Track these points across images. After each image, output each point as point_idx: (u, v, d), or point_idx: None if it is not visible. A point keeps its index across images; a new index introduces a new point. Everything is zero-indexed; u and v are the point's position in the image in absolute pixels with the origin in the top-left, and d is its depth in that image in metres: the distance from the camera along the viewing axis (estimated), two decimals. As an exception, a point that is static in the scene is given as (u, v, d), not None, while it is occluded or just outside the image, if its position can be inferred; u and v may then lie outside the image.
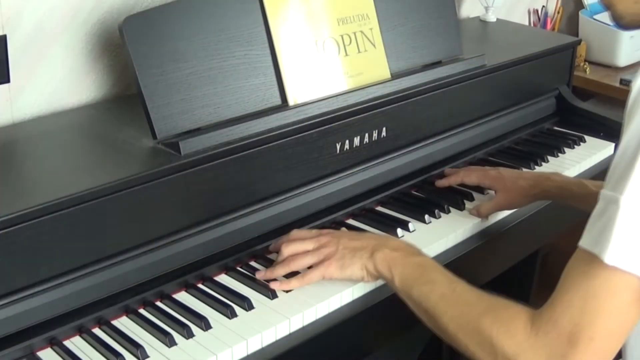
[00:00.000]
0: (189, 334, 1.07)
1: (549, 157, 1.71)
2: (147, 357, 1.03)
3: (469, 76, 1.62)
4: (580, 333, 0.87)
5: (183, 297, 1.17)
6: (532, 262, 2.04)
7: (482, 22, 2.12)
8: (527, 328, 0.91)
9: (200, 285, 1.20)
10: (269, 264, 1.24)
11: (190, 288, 1.18)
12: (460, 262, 1.32)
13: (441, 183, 1.53)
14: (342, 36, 1.41)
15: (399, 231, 1.35)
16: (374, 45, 1.46)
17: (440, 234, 1.37)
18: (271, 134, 1.26)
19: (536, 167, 1.67)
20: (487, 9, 2.11)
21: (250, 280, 1.20)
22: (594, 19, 2.46)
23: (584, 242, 0.89)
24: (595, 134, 1.84)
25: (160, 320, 1.11)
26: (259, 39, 1.30)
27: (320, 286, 1.19)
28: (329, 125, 1.35)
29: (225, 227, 1.23)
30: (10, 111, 1.32)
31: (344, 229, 1.34)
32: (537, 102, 1.87)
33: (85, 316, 1.08)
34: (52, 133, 1.29)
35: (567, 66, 1.95)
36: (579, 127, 1.87)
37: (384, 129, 1.45)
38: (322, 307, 1.16)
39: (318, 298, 1.16)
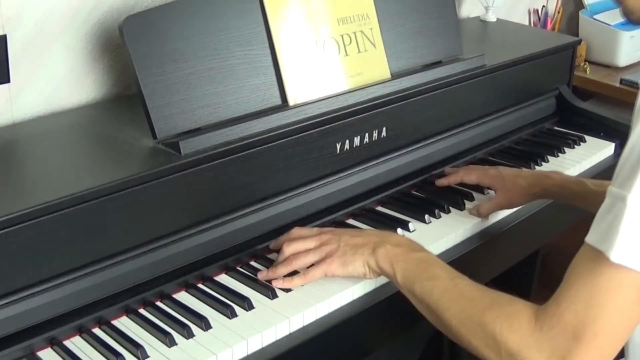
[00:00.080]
0: (189, 334, 1.07)
1: (549, 157, 1.71)
2: (147, 357, 1.03)
3: (469, 76, 1.62)
4: (584, 329, 0.87)
5: (183, 297, 1.17)
6: (532, 262, 2.04)
7: (482, 22, 2.12)
8: (531, 323, 0.91)
9: (200, 285, 1.20)
10: (269, 263, 1.24)
11: (191, 288, 1.18)
12: (461, 262, 1.32)
13: (441, 182, 1.53)
14: (342, 36, 1.41)
15: (399, 231, 1.35)
16: (374, 45, 1.46)
17: (440, 233, 1.37)
18: (271, 134, 1.26)
19: (536, 167, 1.67)
20: (487, 8, 2.11)
21: (250, 280, 1.20)
22: (594, 19, 2.46)
23: (591, 239, 0.89)
24: (596, 133, 1.85)
25: (161, 320, 1.11)
26: (259, 39, 1.30)
27: (321, 286, 1.19)
28: (329, 125, 1.35)
29: (225, 227, 1.23)
30: (10, 111, 1.32)
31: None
32: (537, 102, 1.87)
33: (85, 316, 1.08)
34: (52, 133, 1.29)
35: (568, 66, 1.95)
36: (579, 127, 1.87)
37: (384, 128, 1.45)
38: (322, 307, 1.16)
39: (318, 298, 1.16)
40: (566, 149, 1.76)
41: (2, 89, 1.29)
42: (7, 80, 1.29)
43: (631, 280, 0.85)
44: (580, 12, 2.51)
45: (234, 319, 1.11)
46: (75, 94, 1.40)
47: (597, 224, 0.89)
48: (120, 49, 1.40)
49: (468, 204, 1.46)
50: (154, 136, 1.18)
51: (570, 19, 2.63)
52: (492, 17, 2.12)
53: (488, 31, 2.07)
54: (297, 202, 1.32)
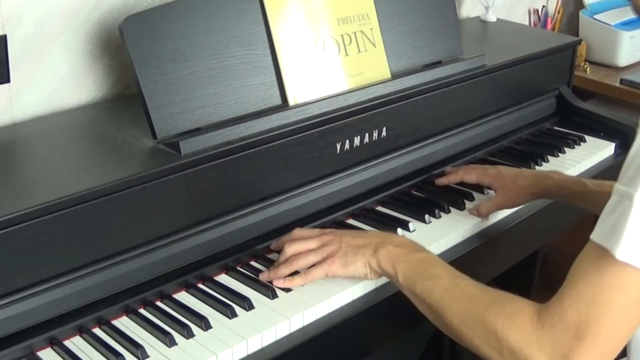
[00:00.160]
0: (189, 334, 1.07)
1: (549, 157, 1.71)
2: (147, 357, 1.03)
3: (469, 76, 1.62)
4: (587, 327, 0.87)
5: (183, 297, 1.17)
6: (532, 262, 2.04)
7: (482, 22, 2.12)
8: (533, 321, 0.91)
9: (200, 285, 1.19)
10: (270, 264, 1.24)
11: (191, 288, 1.18)
12: (461, 262, 1.32)
13: (441, 181, 1.53)
14: (342, 36, 1.41)
15: (399, 231, 1.35)
16: (374, 45, 1.46)
17: (440, 233, 1.37)
18: (271, 133, 1.26)
19: (536, 167, 1.67)
20: (487, 8, 2.11)
21: (250, 280, 1.20)
22: (595, 19, 2.46)
23: (596, 236, 0.88)
24: (596, 133, 1.85)
25: (161, 320, 1.11)
26: (259, 39, 1.30)
27: (321, 286, 1.19)
28: (329, 125, 1.35)
29: (225, 227, 1.23)
30: (10, 111, 1.32)
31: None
32: (537, 102, 1.87)
33: (85, 316, 1.08)
34: (52, 133, 1.29)
35: (568, 66, 1.95)
36: (579, 127, 1.87)
37: (384, 128, 1.45)
38: (322, 307, 1.16)
39: (318, 298, 1.16)
40: (566, 149, 1.76)
41: (2, 89, 1.29)
42: (7, 80, 1.29)
43: (636, 279, 0.85)
44: (580, 12, 2.51)
45: (234, 319, 1.11)
46: (75, 94, 1.40)
47: (603, 222, 0.88)
48: (120, 49, 1.40)
49: (468, 204, 1.46)
50: (154, 136, 1.18)
51: (571, 19, 2.63)
52: (492, 17, 2.12)
53: (488, 31, 2.07)
54: (297, 202, 1.32)
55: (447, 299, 1.02)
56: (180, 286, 1.18)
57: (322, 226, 1.34)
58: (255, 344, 1.08)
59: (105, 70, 1.42)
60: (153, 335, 1.07)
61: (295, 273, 1.19)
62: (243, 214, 1.25)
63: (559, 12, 2.53)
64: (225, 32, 1.26)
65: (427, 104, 1.54)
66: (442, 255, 1.33)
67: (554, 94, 1.92)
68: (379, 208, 1.45)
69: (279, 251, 1.23)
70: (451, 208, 1.45)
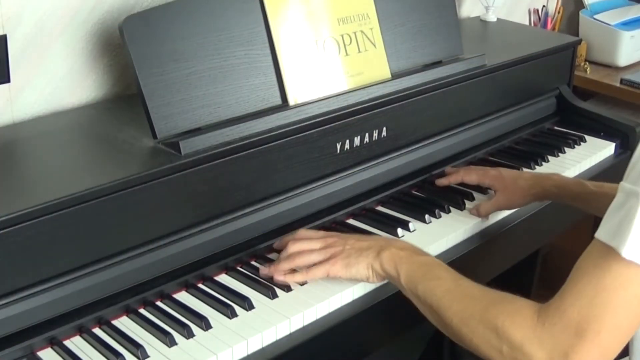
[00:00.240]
0: (189, 334, 1.07)
1: (550, 157, 1.71)
2: (148, 357, 1.03)
3: (470, 76, 1.62)
4: (587, 325, 0.87)
5: (183, 297, 1.17)
6: (532, 262, 2.04)
7: (482, 22, 2.12)
8: (533, 319, 0.91)
9: (200, 285, 1.19)
10: (270, 264, 1.24)
11: (191, 288, 1.18)
12: (461, 262, 1.32)
13: (441, 182, 1.53)
14: (342, 36, 1.41)
15: (400, 231, 1.35)
16: (375, 45, 1.46)
17: (440, 233, 1.37)
18: (271, 133, 1.25)
19: (537, 166, 1.67)
20: (487, 8, 2.11)
21: (250, 280, 1.20)
22: (595, 19, 2.46)
23: (601, 234, 0.88)
24: (596, 133, 1.85)
25: (161, 320, 1.11)
26: (259, 39, 1.30)
27: (321, 286, 1.19)
28: (330, 125, 1.35)
29: (225, 227, 1.22)
30: (10, 111, 1.32)
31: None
32: (537, 102, 1.87)
33: (85, 316, 1.08)
34: (52, 133, 1.29)
35: (568, 66, 1.95)
36: (579, 127, 1.87)
37: (384, 128, 1.45)
38: (322, 307, 1.16)
39: (318, 298, 1.16)
40: (566, 149, 1.76)
41: (2, 89, 1.29)
42: (7, 80, 1.29)
43: (639, 277, 0.85)
44: (580, 12, 2.51)
45: (234, 319, 1.11)
46: (75, 93, 1.40)
47: (608, 220, 0.88)
48: (120, 49, 1.40)
49: (468, 204, 1.46)
50: (154, 136, 1.18)
51: (571, 19, 2.63)
52: (492, 17, 2.12)
53: (488, 31, 2.07)
54: (297, 202, 1.32)
55: (448, 298, 1.02)
56: (181, 286, 1.18)
57: (323, 226, 1.34)
58: (256, 343, 1.08)
59: (105, 70, 1.42)
60: (153, 335, 1.07)
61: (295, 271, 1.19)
62: (243, 214, 1.25)
63: (559, 12, 2.53)
64: (225, 32, 1.26)
65: (427, 104, 1.54)
66: (442, 255, 1.33)
67: (554, 94, 1.92)
68: (379, 208, 1.45)
69: (280, 251, 1.23)
70: (451, 208, 1.45)
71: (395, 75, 1.49)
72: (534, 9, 2.48)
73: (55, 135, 1.28)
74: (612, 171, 1.75)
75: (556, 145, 1.76)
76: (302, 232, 1.24)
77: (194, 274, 1.19)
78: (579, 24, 2.52)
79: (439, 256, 1.32)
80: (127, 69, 1.22)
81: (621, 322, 0.87)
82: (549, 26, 2.50)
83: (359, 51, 1.44)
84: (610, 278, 0.86)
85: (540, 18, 2.49)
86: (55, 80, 1.36)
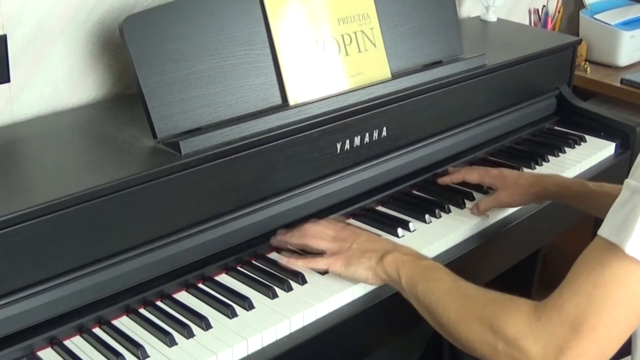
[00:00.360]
0: (189, 334, 1.07)
1: (550, 157, 1.71)
2: (148, 356, 1.03)
3: (470, 76, 1.62)
4: (584, 320, 0.86)
5: (183, 296, 1.17)
6: (532, 262, 2.04)
7: (482, 22, 2.12)
8: (530, 314, 0.90)
9: (200, 285, 1.19)
10: (270, 263, 1.24)
11: (191, 288, 1.18)
12: (461, 262, 1.32)
13: (443, 180, 1.53)
14: (342, 36, 1.41)
15: (400, 231, 1.35)
16: (375, 45, 1.46)
17: (440, 233, 1.36)
18: (271, 133, 1.25)
19: (537, 166, 1.67)
20: (487, 8, 2.11)
21: (250, 280, 1.20)
22: (595, 19, 2.46)
23: (604, 231, 0.88)
24: (596, 133, 1.85)
25: (161, 320, 1.11)
26: (260, 39, 1.30)
27: (321, 286, 1.19)
28: (330, 125, 1.35)
29: (225, 227, 1.22)
30: (10, 111, 1.32)
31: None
32: (537, 102, 1.87)
33: (85, 316, 1.08)
34: (52, 133, 1.29)
35: (568, 66, 1.95)
36: (579, 127, 1.87)
37: (385, 128, 1.45)
38: (322, 307, 1.16)
39: (318, 298, 1.16)
40: (567, 149, 1.76)
41: (2, 89, 1.29)
42: (7, 80, 1.29)
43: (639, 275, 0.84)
44: (580, 12, 2.51)
45: (235, 319, 1.11)
46: (76, 93, 1.40)
47: (613, 217, 0.87)
48: (121, 49, 1.40)
49: (468, 204, 1.46)
50: (154, 136, 1.18)
51: (571, 19, 2.63)
52: (492, 17, 2.12)
53: (488, 31, 2.07)
54: (297, 202, 1.32)
55: (446, 298, 1.02)
56: (181, 286, 1.18)
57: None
58: (256, 343, 1.08)
59: (105, 69, 1.42)
60: (153, 335, 1.07)
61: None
62: (243, 214, 1.25)
63: (559, 12, 2.53)
64: (225, 32, 1.26)
65: (428, 103, 1.54)
66: (442, 255, 1.33)
67: (554, 94, 1.92)
68: (379, 208, 1.45)
69: (281, 250, 1.25)
70: (451, 208, 1.45)
71: (395, 75, 1.49)
72: (534, 8, 2.48)
73: (56, 135, 1.28)
74: (612, 171, 1.75)
75: (556, 145, 1.76)
76: (323, 220, 1.27)
77: (194, 274, 1.19)
78: (579, 24, 2.52)
79: (439, 256, 1.32)
80: (127, 68, 1.22)
81: (619, 319, 0.86)
82: (549, 26, 2.50)
83: (359, 51, 1.43)
84: (611, 274, 0.85)
85: (541, 18, 2.49)
86: (55, 80, 1.36)
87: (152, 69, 1.18)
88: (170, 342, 1.06)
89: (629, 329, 0.89)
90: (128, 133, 1.24)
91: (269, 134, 1.25)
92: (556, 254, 2.15)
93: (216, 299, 1.15)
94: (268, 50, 1.31)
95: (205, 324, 1.09)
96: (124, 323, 1.11)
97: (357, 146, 1.41)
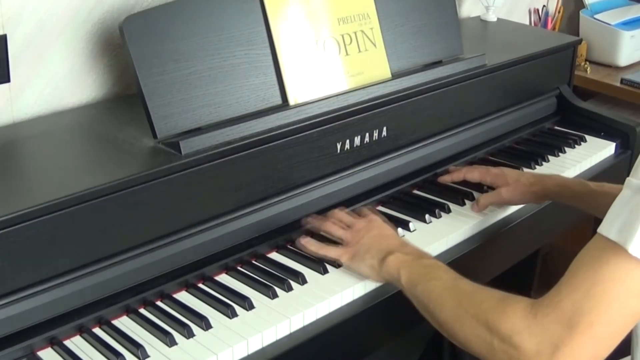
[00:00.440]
0: (189, 334, 1.07)
1: (550, 157, 1.71)
2: (148, 356, 1.03)
3: (470, 76, 1.62)
4: (580, 317, 0.85)
5: (183, 296, 1.17)
6: (532, 262, 2.04)
7: (482, 22, 2.12)
8: (526, 311, 0.90)
9: (200, 285, 1.19)
10: (270, 263, 1.24)
11: (191, 288, 1.18)
12: (461, 262, 1.32)
13: (444, 179, 1.54)
14: (342, 36, 1.41)
15: (400, 231, 1.34)
16: (375, 45, 1.46)
17: (440, 233, 1.36)
18: (272, 133, 1.25)
19: (537, 166, 1.66)
20: (487, 8, 2.11)
21: (250, 280, 1.20)
22: (595, 19, 2.46)
23: (605, 230, 0.87)
24: (596, 133, 1.84)
25: (161, 320, 1.11)
26: (260, 39, 1.30)
27: (321, 286, 1.19)
28: (330, 125, 1.35)
29: (225, 227, 1.22)
30: (11, 111, 1.32)
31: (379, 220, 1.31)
32: (537, 102, 1.87)
33: (85, 316, 1.08)
34: (52, 133, 1.29)
35: (568, 66, 1.95)
36: (579, 127, 1.87)
37: (385, 128, 1.45)
38: (322, 307, 1.16)
39: (318, 298, 1.16)
40: (567, 149, 1.76)
41: (2, 89, 1.29)
42: (7, 80, 1.29)
43: (638, 273, 0.84)
44: (580, 12, 2.51)
45: (235, 319, 1.11)
46: (76, 93, 1.40)
47: (613, 215, 0.87)
48: (121, 49, 1.40)
49: (468, 204, 1.46)
50: (155, 136, 1.18)
51: (571, 19, 2.63)
52: (492, 17, 2.12)
53: (488, 31, 2.07)
54: (297, 202, 1.32)
55: (444, 296, 1.02)
56: (181, 286, 1.18)
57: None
58: (256, 343, 1.08)
59: (105, 69, 1.42)
60: (153, 335, 1.07)
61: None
62: (243, 214, 1.25)
63: (559, 12, 2.53)
64: (225, 32, 1.26)
65: (428, 103, 1.54)
66: (442, 255, 1.33)
67: (554, 94, 1.92)
68: (380, 208, 1.45)
69: (283, 250, 1.27)
70: (452, 208, 1.45)
71: (395, 75, 1.49)
72: (534, 8, 2.48)
73: (56, 135, 1.28)
74: (612, 171, 1.75)
75: (556, 145, 1.76)
76: (353, 212, 1.34)
77: (194, 274, 1.19)
78: (579, 24, 2.52)
79: (439, 256, 1.32)
80: (127, 68, 1.22)
81: (616, 317, 0.86)
82: (549, 26, 2.50)
83: (359, 51, 1.43)
84: (609, 271, 0.85)
85: (541, 18, 2.49)
86: (56, 80, 1.36)
87: (152, 69, 1.18)
88: (170, 342, 1.05)
89: (625, 328, 0.88)
90: (128, 133, 1.24)
91: (269, 134, 1.25)
92: (556, 254, 2.15)
93: (216, 299, 1.15)
94: (268, 50, 1.31)
95: (205, 324, 1.09)
96: (124, 323, 1.11)
97: (357, 146, 1.41)
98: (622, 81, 2.32)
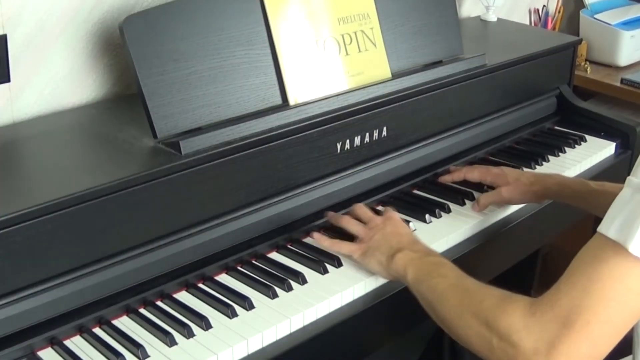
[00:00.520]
0: (189, 334, 1.07)
1: (550, 157, 1.71)
2: (148, 356, 1.03)
3: (470, 76, 1.62)
4: (578, 315, 0.85)
5: (184, 296, 1.17)
6: (532, 262, 2.04)
7: (482, 22, 2.12)
8: (525, 309, 0.90)
9: (200, 285, 1.19)
10: (270, 263, 1.24)
11: (191, 288, 1.18)
12: (461, 262, 1.31)
13: (444, 179, 1.54)
14: (342, 35, 1.41)
15: (400, 231, 1.35)
16: (375, 45, 1.46)
17: (441, 233, 1.36)
18: (272, 133, 1.25)
19: (537, 166, 1.66)
20: (487, 8, 2.11)
21: (250, 280, 1.20)
22: (595, 19, 2.46)
23: (605, 228, 0.87)
24: (596, 133, 1.84)
25: (161, 320, 1.11)
26: (260, 39, 1.30)
27: (321, 286, 1.19)
28: (330, 125, 1.35)
29: (225, 227, 1.22)
30: (11, 111, 1.32)
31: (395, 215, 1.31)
32: (537, 102, 1.87)
33: (85, 316, 1.08)
34: (52, 133, 1.29)
35: (568, 66, 1.95)
36: (579, 127, 1.87)
37: (385, 128, 1.45)
38: (322, 307, 1.16)
39: (318, 298, 1.16)
40: (567, 149, 1.76)
41: (2, 89, 1.29)
42: (8, 80, 1.29)
43: (637, 271, 0.84)
44: (580, 12, 2.51)
45: (235, 319, 1.11)
46: (76, 93, 1.40)
47: (614, 214, 0.87)
48: (121, 49, 1.40)
49: (469, 204, 1.46)
50: (155, 136, 1.18)
51: (571, 19, 2.63)
52: (492, 17, 2.12)
53: (488, 31, 2.07)
54: (297, 202, 1.32)
55: (447, 293, 1.03)
56: (181, 286, 1.18)
57: (323, 226, 1.34)
58: (256, 343, 1.08)
59: (105, 69, 1.42)
60: (153, 335, 1.07)
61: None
62: (243, 214, 1.25)
63: (559, 12, 2.53)
64: (225, 32, 1.26)
65: (428, 103, 1.54)
66: (442, 255, 1.33)
67: (554, 94, 1.92)
68: (380, 208, 1.45)
69: (283, 250, 1.26)
70: (452, 208, 1.45)
71: (395, 75, 1.49)
72: (534, 8, 2.48)
73: (56, 135, 1.28)
74: (612, 171, 1.75)
75: (557, 145, 1.76)
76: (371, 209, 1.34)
77: (194, 274, 1.19)
78: (580, 24, 2.52)
79: (439, 256, 1.32)
80: (127, 68, 1.22)
81: (613, 316, 0.85)
82: (549, 26, 2.50)
83: (360, 51, 1.43)
84: (607, 269, 0.85)
85: (541, 18, 2.49)
86: (56, 80, 1.36)
87: (152, 68, 1.18)
88: (171, 342, 1.05)
89: (624, 327, 0.87)
90: (128, 133, 1.24)
91: (269, 134, 1.25)
92: (556, 254, 2.15)
93: (216, 299, 1.15)
94: (268, 50, 1.31)
95: (205, 323, 1.09)
96: (124, 323, 1.11)
97: (357, 146, 1.41)
98: (622, 81, 2.32)
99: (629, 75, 2.33)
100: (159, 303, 1.15)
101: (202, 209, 1.20)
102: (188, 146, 1.16)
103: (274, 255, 1.27)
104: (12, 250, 0.99)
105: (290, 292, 1.18)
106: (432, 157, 1.58)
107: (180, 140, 1.16)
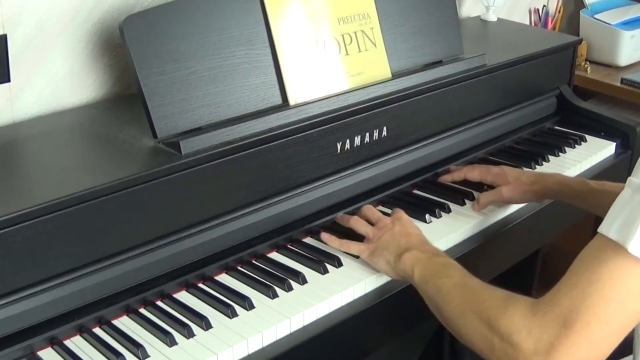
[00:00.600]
0: (189, 334, 1.07)
1: (550, 157, 1.71)
2: (148, 356, 1.03)
3: (470, 75, 1.62)
4: (577, 316, 0.85)
5: (184, 296, 1.17)
6: (532, 262, 2.04)
7: (482, 22, 2.12)
8: (526, 309, 0.90)
9: (200, 285, 1.19)
10: (270, 263, 1.24)
11: (191, 288, 1.18)
12: (461, 262, 1.31)
13: (444, 179, 1.54)
14: (342, 35, 1.41)
15: (400, 231, 1.34)
16: (375, 45, 1.46)
17: (441, 233, 1.36)
18: (272, 133, 1.25)
19: (537, 166, 1.66)
20: (487, 8, 2.11)
21: (251, 280, 1.20)
22: (595, 19, 2.46)
23: (606, 229, 0.87)
24: (596, 133, 1.84)
25: (161, 320, 1.11)
26: (260, 39, 1.30)
27: (321, 286, 1.19)
28: (330, 125, 1.35)
29: (225, 227, 1.22)
30: (11, 111, 1.32)
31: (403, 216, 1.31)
32: (538, 102, 1.87)
33: (85, 316, 1.08)
34: (52, 133, 1.29)
35: (568, 65, 1.95)
36: (579, 127, 1.87)
37: (385, 128, 1.45)
38: (322, 307, 1.16)
39: (319, 298, 1.16)
40: (567, 149, 1.76)
41: (3, 89, 1.29)
42: (8, 80, 1.29)
43: (637, 272, 0.84)
44: (580, 12, 2.51)
45: (235, 319, 1.11)
46: (76, 93, 1.40)
47: (614, 214, 0.87)
48: (121, 49, 1.40)
49: (469, 203, 1.46)
50: (155, 136, 1.18)
51: (571, 19, 2.63)
52: (492, 17, 2.12)
53: (488, 31, 2.07)
54: (297, 202, 1.32)
55: (451, 293, 1.03)
56: (181, 286, 1.18)
57: (323, 226, 1.34)
58: (256, 343, 1.08)
59: (105, 69, 1.42)
60: (153, 335, 1.07)
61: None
62: (243, 214, 1.25)
63: (559, 12, 2.53)
64: (225, 32, 1.26)
65: (428, 103, 1.54)
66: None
67: (554, 94, 1.92)
68: (380, 208, 1.45)
69: (283, 250, 1.26)
70: (452, 207, 1.45)
71: (395, 75, 1.49)
72: (535, 8, 2.48)
73: (56, 135, 1.28)
74: (612, 171, 1.75)
75: (557, 145, 1.76)
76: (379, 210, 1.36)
77: (194, 274, 1.19)
78: (580, 24, 2.52)
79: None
80: (127, 68, 1.22)
81: (613, 317, 0.85)
82: (550, 26, 2.50)
83: (360, 51, 1.43)
84: (608, 270, 0.85)
85: (541, 18, 2.49)
86: (56, 80, 1.36)
87: (152, 68, 1.18)
88: (171, 342, 1.05)
89: (624, 328, 0.87)
90: (128, 133, 1.24)
91: (269, 134, 1.25)
92: (556, 254, 2.15)
93: (216, 299, 1.15)
94: (268, 50, 1.31)
95: (205, 323, 1.09)
96: (124, 323, 1.11)
97: (357, 146, 1.41)
98: (622, 81, 2.32)
99: (629, 75, 2.33)
100: (159, 303, 1.15)
101: (202, 209, 1.20)
102: (188, 146, 1.16)
103: (274, 255, 1.27)
104: (12, 250, 0.99)
105: (290, 292, 1.18)
106: (432, 157, 1.58)
107: (180, 140, 1.16)
